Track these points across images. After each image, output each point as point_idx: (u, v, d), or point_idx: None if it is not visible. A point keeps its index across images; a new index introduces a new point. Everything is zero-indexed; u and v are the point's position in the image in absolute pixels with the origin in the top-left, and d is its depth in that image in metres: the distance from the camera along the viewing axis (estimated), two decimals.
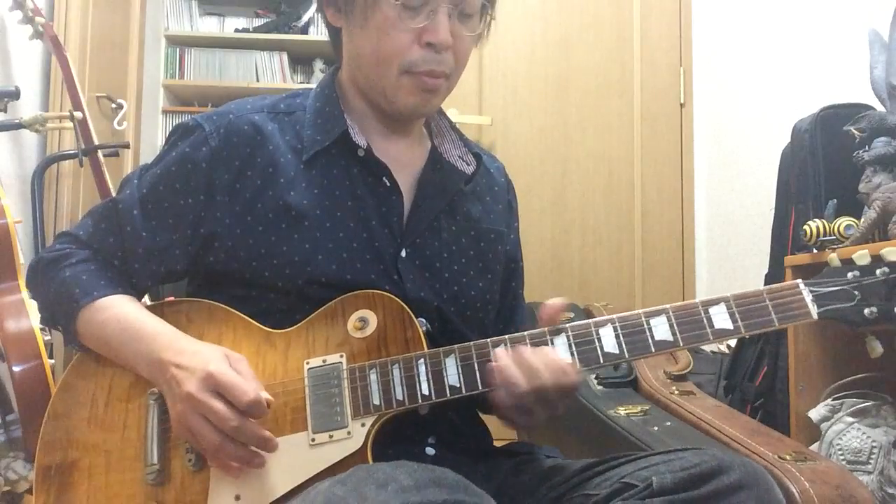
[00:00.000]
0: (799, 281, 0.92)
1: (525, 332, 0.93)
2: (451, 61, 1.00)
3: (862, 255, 0.92)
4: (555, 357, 0.90)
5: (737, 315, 0.90)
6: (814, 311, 0.90)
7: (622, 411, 1.66)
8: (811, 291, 0.91)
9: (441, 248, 1.05)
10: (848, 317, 0.90)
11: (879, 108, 1.66)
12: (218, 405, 0.85)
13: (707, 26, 3.08)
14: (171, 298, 1.07)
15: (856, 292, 0.90)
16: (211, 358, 0.88)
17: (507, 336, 0.93)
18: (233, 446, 0.86)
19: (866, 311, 0.90)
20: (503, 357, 0.90)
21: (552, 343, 0.92)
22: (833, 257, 0.94)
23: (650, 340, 0.90)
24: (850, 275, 0.91)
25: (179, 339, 0.93)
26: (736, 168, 2.81)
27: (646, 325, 0.91)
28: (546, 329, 0.92)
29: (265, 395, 0.87)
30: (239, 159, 1.00)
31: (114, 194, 1.09)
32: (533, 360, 0.89)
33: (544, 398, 0.90)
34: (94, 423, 0.95)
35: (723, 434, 1.46)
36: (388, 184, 1.03)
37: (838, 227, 1.57)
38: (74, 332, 0.99)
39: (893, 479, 1.45)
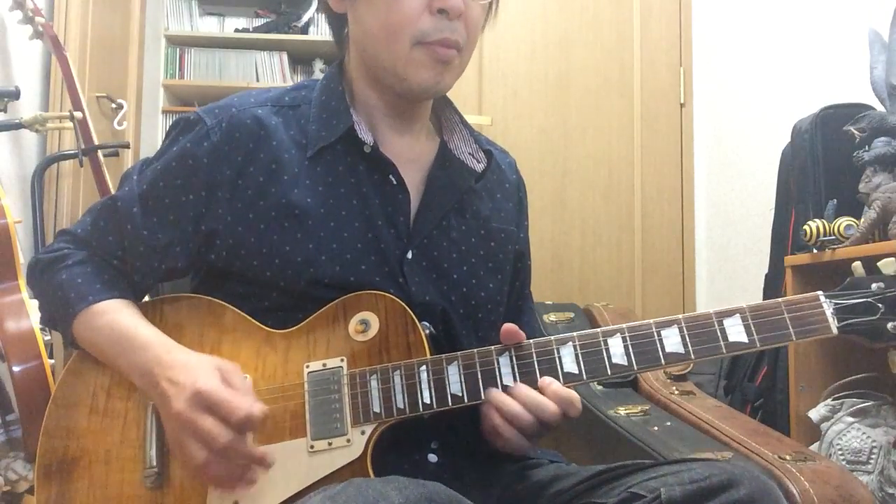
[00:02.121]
0: (819, 293, 0.87)
1: (531, 341, 0.90)
2: (462, 31, 0.96)
3: (888, 264, 0.87)
4: (559, 390, 0.87)
5: (752, 328, 0.85)
6: (834, 325, 0.85)
7: (622, 411, 1.66)
8: (833, 304, 0.86)
9: (450, 248, 1.02)
10: (869, 332, 0.85)
11: (879, 108, 1.66)
12: (207, 423, 0.81)
13: (707, 26, 3.08)
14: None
15: (880, 305, 0.85)
16: (200, 373, 0.85)
17: (511, 344, 0.90)
18: (222, 464, 0.83)
19: (890, 325, 0.85)
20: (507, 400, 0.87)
21: (558, 352, 0.88)
22: (857, 266, 0.89)
23: (660, 353, 0.86)
24: (874, 286, 0.86)
25: (170, 351, 0.90)
26: (736, 168, 2.81)
27: (657, 337, 0.87)
28: (553, 338, 0.89)
29: (259, 407, 0.83)
30: (241, 155, 0.97)
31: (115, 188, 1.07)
32: (542, 399, 0.87)
33: (549, 427, 0.88)
34: (94, 419, 0.93)
35: (723, 434, 1.46)
36: (395, 182, 1.00)
37: (838, 227, 1.58)
38: (72, 336, 0.97)
39: (893, 479, 1.45)
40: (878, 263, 0.87)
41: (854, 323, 0.85)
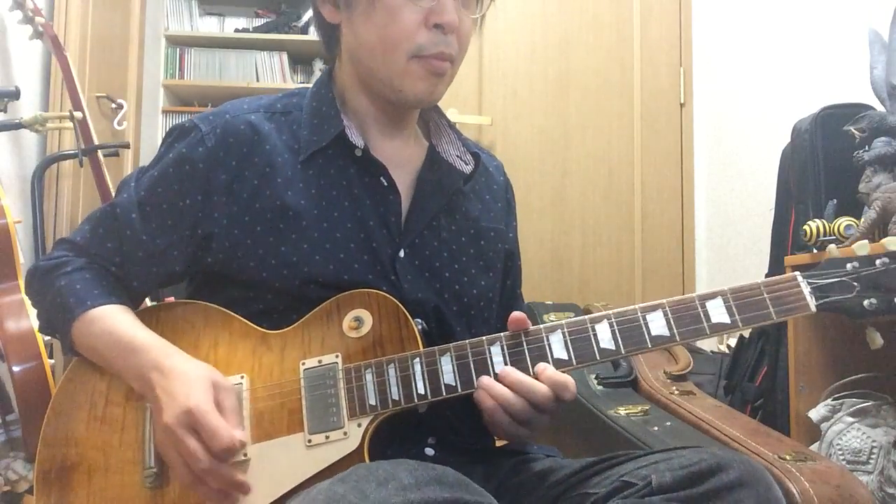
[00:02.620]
0: (797, 273, 0.90)
1: (521, 331, 0.92)
2: (455, 44, 1.00)
3: (861, 246, 0.90)
4: (553, 374, 0.89)
5: (734, 309, 0.89)
6: (812, 303, 0.88)
7: (622, 411, 1.66)
8: (809, 283, 0.89)
9: (441, 247, 1.05)
10: (847, 308, 0.89)
11: (879, 108, 1.66)
12: (191, 444, 0.83)
13: (707, 26, 3.08)
14: (171, 299, 1.07)
15: (855, 283, 0.89)
16: (194, 389, 0.86)
17: (502, 334, 0.92)
18: (201, 485, 0.85)
19: (866, 302, 0.88)
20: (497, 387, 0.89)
21: (548, 339, 0.91)
22: (832, 248, 0.93)
23: (647, 336, 0.89)
24: (849, 266, 0.90)
25: (168, 356, 0.91)
26: (736, 168, 2.81)
27: (642, 321, 0.90)
28: (542, 327, 0.92)
29: (239, 436, 0.85)
30: (236, 159, 1.00)
31: (113, 195, 1.08)
32: (535, 386, 0.88)
33: (544, 411, 0.90)
34: (93, 425, 0.94)
35: (723, 434, 1.46)
36: (386, 183, 1.02)
37: (838, 227, 1.57)
38: (70, 342, 0.98)
39: (893, 479, 1.45)
40: (853, 246, 0.91)
41: (832, 301, 0.89)
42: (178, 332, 0.97)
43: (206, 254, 1.00)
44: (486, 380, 0.89)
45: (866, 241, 0.90)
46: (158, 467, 0.90)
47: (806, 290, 0.89)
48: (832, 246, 0.93)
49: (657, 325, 0.90)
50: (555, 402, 0.89)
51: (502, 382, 0.89)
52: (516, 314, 0.92)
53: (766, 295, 0.89)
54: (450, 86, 1.05)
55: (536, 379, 0.89)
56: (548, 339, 0.91)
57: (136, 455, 0.92)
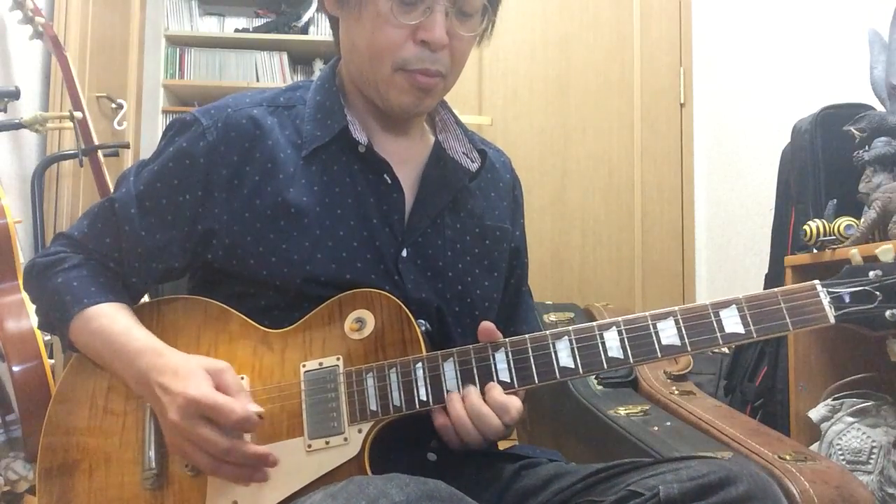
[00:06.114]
0: (816, 282, 0.86)
1: (526, 336, 0.90)
2: (446, 61, 0.97)
3: (886, 251, 0.85)
4: (500, 398, 0.87)
5: (748, 318, 0.85)
6: (831, 314, 0.84)
7: (622, 411, 1.66)
8: (829, 293, 0.85)
9: (444, 246, 1.03)
10: (868, 320, 0.84)
11: (879, 108, 1.66)
12: (204, 431, 0.83)
13: (707, 26, 3.08)
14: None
15: (877, 293, 0.84)
16: (190, 380, 0.85)
17: (507, 339, 0.90)
18: (227, 467, 0.84)
19: (888, 312, 0.83)
20: (457, 409, 0.88)
21: (554, 347, 0.88)
22: (854, 254, 0.87)
23: (657, 345, 0.86)
24: (871, 274, 0.85)
25: (162, 354, 0.90)
26: (736, 168, 2.81)
27: (652, 329, 0.86)
28: (548, 333, 0.89)
29: (254, 407, 0.84)
30: (237, 154, 0.98)
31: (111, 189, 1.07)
32: (484, 410, 0.87)
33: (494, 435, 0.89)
34: (93, 424, 0.94)
35: (723, 434, 1.46)
36: (390, 181, 1.00)
37: (838, 227, 1.57)
38: (69, 340, 0.97)
39: (893, 479, 1.45)
40: (877, 251, 0.86)
41: (851, 311, 0.84)
42: (178, 330, 0.96)
43: (207, 250, 0.98)
44: (454, 401, 0.88)
45: (891, 246, 0.85)
46: (158, 468, 0.89)
47: (825, 300, 0.84)
48: (855, 251, 0.87)
49: (668, 333, 0.86)
50: (502, 426, 0.87)
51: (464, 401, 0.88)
52: (485, 325, 0.90)
53: (782, 304, 0.85)
54: (447, 93, 1.04)
55: (483, 398, 0.87)
56: (554, 347, 0.88)
57: (136, 456, 0.91)
